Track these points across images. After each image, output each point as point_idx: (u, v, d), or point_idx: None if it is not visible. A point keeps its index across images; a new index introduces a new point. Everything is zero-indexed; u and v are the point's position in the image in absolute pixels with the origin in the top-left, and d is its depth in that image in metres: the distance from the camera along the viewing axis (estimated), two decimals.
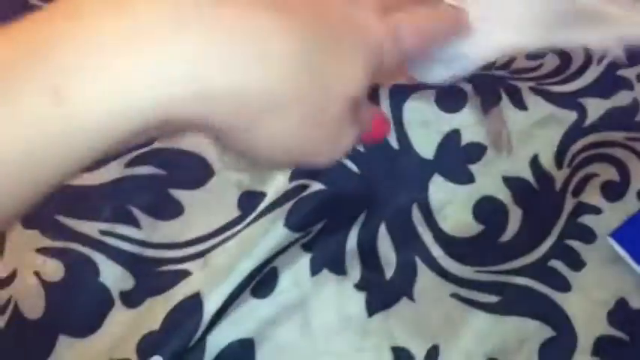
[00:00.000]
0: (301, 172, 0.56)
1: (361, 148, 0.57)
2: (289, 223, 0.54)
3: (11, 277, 0.55)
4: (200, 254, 0.54)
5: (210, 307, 0.51)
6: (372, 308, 0.54)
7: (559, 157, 0.58)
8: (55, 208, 0.56)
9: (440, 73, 0.41)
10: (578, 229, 0.55)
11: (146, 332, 0.52)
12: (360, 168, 0.57)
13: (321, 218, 0.55)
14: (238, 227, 0.55)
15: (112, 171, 0.57)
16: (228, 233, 0.55)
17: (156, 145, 0.58)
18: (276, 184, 0.56)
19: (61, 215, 0.55)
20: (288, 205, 0.54)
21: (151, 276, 0.54)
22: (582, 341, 0.52)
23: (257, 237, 0.53)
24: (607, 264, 0.54)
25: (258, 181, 0.57)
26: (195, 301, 0.51)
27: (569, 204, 0.56)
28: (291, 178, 0.56)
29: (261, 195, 0.56)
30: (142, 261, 0.55)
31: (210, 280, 0.52)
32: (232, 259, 0.53)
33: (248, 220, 0.55)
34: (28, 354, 0.53)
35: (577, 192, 0.56)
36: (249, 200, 0.56)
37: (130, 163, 0.57)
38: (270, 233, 0.53)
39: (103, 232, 0.55)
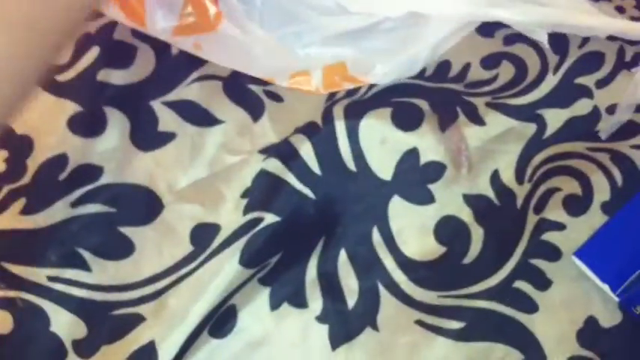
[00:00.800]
0: (255, 204, 0.53)
1: (317, 172, 0.54)
2: (244, 261, 0.51)
3: None
4: (153, 295, 0.52)
5: (165, 356, 0.48)
6: (336, 341, 0.52)
7: (519, 171, 0.55)
8: (0, 255, 0.53)
9: None
10: (542, 247, 0.53)
11: None
12: (316, 193, 0.54)
13: (278, 251, 0.53)
14: (192, 265, 0.52)
15: (59, 212, 0.54)
16: (182, 271, 0.52)
17: (103, 180, 0.55)
18: (230, 217, 0.53)
19: (7, 262, 0.52)
20: (242, 242, 0.52)
21: (104, 322, 0.51)
22: None
23: (211, 276, 0.51)
24: (574, 282, 0.53)
25: (211, 212, 0.54)
26: (149, 351, 0.49)
27: (532, 221, 0.54)
28: (245, 211, 0.53)
29: (215, 227, 0.53)
30: (94, 306, 0.52)
31: (165, 326, 0.50)
32: (187, 301, 0.50)
33: (202, 257, 0.52)
34: None
35: (539, 208, 0.54)
36: (202, 234, 0.54)
37: (77, 203, 0.54)
38: (224, 271, 0.51)
39: (51, 279, 0.52)
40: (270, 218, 0.52)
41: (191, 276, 0.51)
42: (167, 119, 0.58)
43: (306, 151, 0.55)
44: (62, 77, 0.60)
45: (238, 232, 0.52)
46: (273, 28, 0.59)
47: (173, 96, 0.59)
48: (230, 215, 0.54)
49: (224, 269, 0.51)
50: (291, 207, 0.53)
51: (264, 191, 0.54)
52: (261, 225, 0.52)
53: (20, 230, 0.54)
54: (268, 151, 0.56)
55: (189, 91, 0.59)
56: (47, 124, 0.58)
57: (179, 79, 0.60)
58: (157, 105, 0.59)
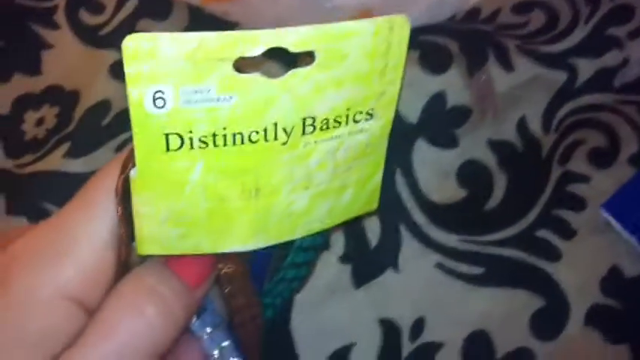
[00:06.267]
0: None
1: None
2: None
3: None
4: None
5: None
6: (359, 281, 0.46)
7: (546, 120, 0.49)
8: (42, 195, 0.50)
9: None
10: (566, 198, 0.47)
11: None
12: None
13: None
14: None
15: (102, 157, 0.51)
16: None
17: None
18: None
19: (49, 203, 0.50)
20: None
21: None
22: (575, 310, 0.45)
23: None
24: (599, 232, 0.46)
25: None
26: None
27: (556, 172, 0.48)
28: None
29: None
30: None
31: None
32: None
33: None
34: None
35: (564, 160, 0.48)
36: None
37: (121, 147, 0.51)
38: None
39: None
40: None
41: None
42: None
43: None
44: (103, 31, 0.56)
45: None
46: None
47: None
48: None
49: None
50: None
51: None
52: None
53: (63, 173, 0.51)
54: None
55: None
56: (90, 75, 0.55)
57: None
58: None
